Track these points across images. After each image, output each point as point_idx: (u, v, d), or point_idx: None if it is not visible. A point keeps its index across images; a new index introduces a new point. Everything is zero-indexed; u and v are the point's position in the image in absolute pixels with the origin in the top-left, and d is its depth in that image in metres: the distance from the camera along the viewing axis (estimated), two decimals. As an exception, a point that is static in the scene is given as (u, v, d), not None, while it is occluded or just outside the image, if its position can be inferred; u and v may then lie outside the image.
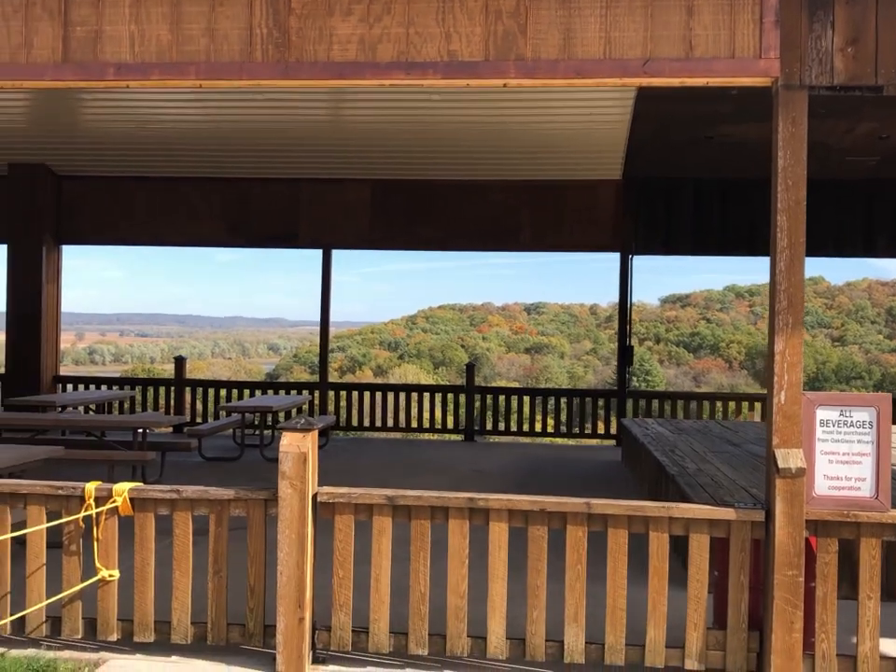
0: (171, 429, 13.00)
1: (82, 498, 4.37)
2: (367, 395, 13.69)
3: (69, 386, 13.84)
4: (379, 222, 13.10)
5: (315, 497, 4.33)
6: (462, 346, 65.01)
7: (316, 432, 4.41)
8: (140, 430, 9.45)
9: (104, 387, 14.14)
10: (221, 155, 12.46)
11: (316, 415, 13.19)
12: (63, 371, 14.33)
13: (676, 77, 4.25)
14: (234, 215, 13.28)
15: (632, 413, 13.11)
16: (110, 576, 4.36)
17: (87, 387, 13.98)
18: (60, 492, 4.41)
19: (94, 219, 13.44)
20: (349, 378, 45.83)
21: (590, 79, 4.30)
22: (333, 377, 13.36)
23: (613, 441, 13.08)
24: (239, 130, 11.33)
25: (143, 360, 70.44)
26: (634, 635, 4.25)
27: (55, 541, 4.45)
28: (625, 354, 12.86)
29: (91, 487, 4.37)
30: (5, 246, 13.38)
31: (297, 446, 4.27)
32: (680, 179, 12.50)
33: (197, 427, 11.22)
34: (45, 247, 13.25)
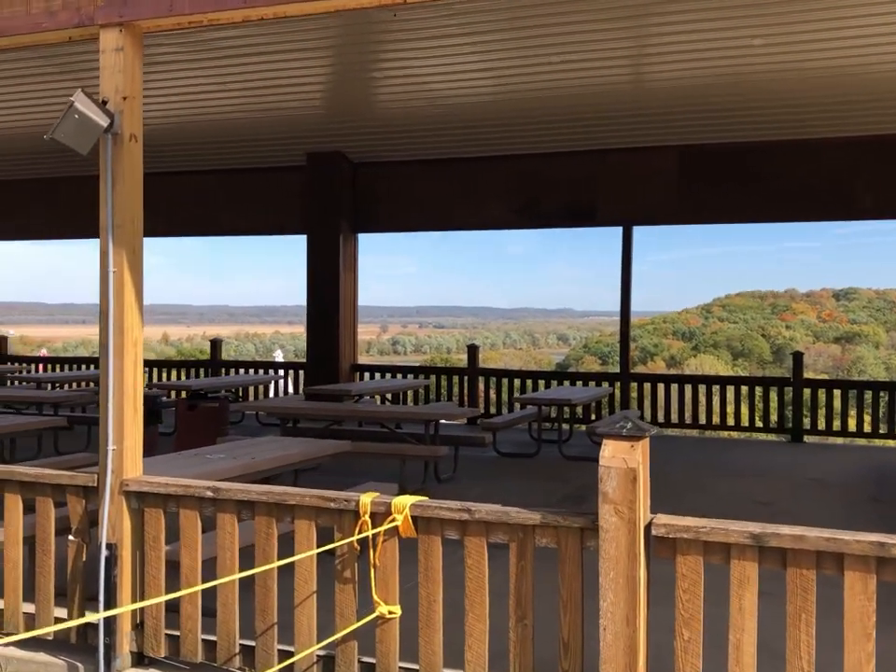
0: (465, 421, 12.44)
1: (356, 513, 3.57)
2: (674, 387, 12.29)
3: (366, 375, 13.75)
4: (686, 193, 11.65)
5: (647, 527, 3.21)
6: (763, 336, 60.88)
7: (647, 441, 3.29)
8: (433, 423, 8.86)
9: (398, 376, 13.92)
10: (511, 130, 11.65)
11: (618, 409, 12.03)
12: (364, 360, 14.29)
13: None
14: (526, 193, 12.45)
15: None
16: (390, 613, 3.51)
17: (383, 376, 13.83)
18: (331, 504, 3.63)
19: (386, 206, 13.21)
20: (640, 369, 44.00)
21: None
22: (626, 368, 12.17)
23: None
24: (531, 100, 10.42)
25: (440, 350, 72.99)
26: None
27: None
28: None
29: (366, 501, 3.55)
30: (304, 238, 13.51)
31: (623, 459, 3.17)
32: None
33: (491, 420, 10.50)
34: (341, 236, 13.19)
